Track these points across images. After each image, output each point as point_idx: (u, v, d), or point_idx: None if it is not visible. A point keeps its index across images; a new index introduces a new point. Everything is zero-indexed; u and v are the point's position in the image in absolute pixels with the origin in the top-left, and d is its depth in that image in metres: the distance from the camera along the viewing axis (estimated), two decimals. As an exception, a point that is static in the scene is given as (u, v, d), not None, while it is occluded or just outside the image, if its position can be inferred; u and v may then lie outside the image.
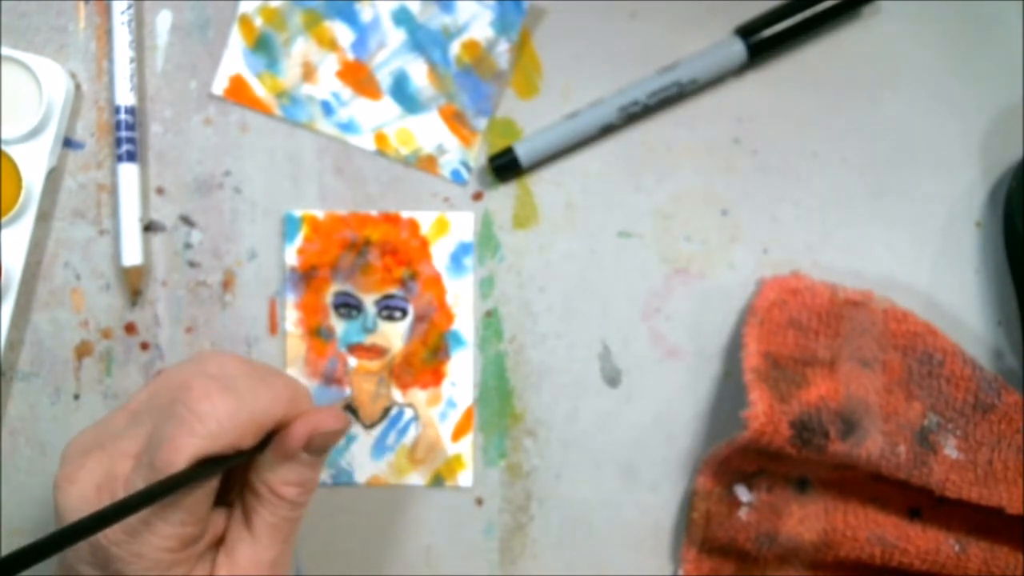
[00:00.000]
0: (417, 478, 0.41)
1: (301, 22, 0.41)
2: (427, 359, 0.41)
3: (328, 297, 0.41)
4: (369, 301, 0.41)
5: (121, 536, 0.28)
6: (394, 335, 0.41)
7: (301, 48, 0.41)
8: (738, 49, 0.40)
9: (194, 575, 0.30)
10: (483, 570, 0.41)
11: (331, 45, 0.41)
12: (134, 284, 0.40)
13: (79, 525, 0.26)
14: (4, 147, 0.39)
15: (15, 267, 0.39)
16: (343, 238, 0.41)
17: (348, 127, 0.41)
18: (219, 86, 0.41)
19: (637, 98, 0.40)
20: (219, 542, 0.32)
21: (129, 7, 0.40)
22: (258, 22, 0.41)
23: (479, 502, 0.41)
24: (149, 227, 0.41)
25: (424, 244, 0.41)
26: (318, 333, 0.41)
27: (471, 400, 0.41)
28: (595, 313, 0.41)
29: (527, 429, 0.41)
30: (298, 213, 0.41)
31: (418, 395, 0.41)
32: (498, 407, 0.41)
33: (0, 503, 0.41)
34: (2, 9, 0.40)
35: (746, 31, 0.40)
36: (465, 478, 0.41)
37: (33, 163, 0.39)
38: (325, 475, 0.41)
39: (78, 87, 0.40)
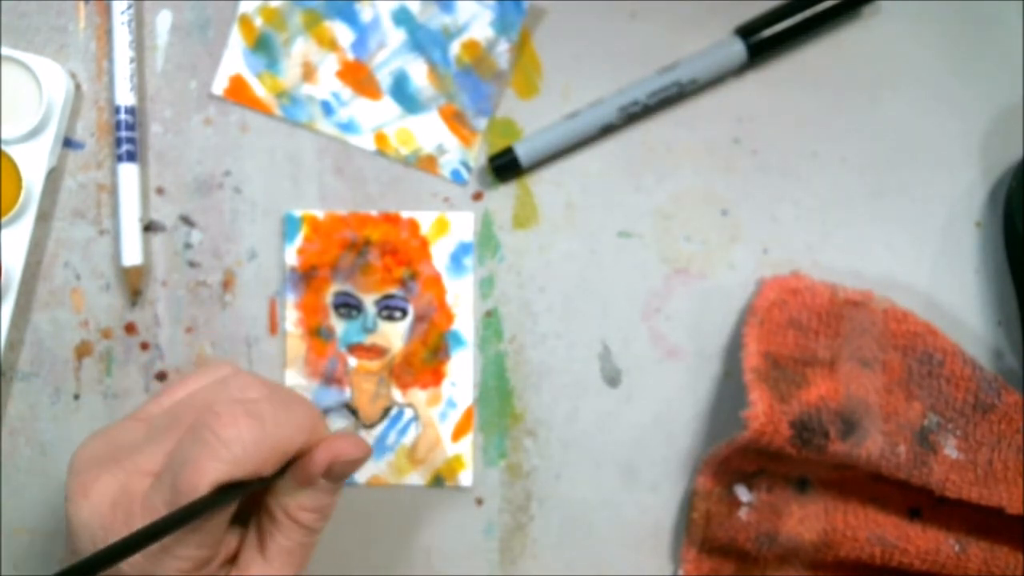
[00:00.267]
0: (417, 478, 0.41)
1: (301, 22, 0.41)
2: (427, 359, 0.41)
3: (328, 297, 0.41)
4: (369, 301, 0.41)
5: (138, 559, 0.28)
6: (394, 335, 0.41)
7: (301, 48, 0.41)
8: (738, 49, 0.40)
9: None
10: (483, 570, 0.41)
11: (331, 45, 0.41)
12: (134, 284, 0.40)
13: (105, 554, 0.26)
14: (4, 147, 0.39)
15: (15, 267, 0.39)
16: (343, 238, 0.41)
17: (348, 127, 0.41)
18: (219, 86, 0.41)
19: (637, 98, 0.40)
20: (230, 561, 0.32)
21: (129, 7, 0.40)
22: (258, 22, 0.41)
23: (479, 502, 0.41)
24: (149, 227, 0.41)
25: (424, 244, 0.41)
26: (318, 333, 0.41)
27: (471, 400, 0.41)
28: (595, 313, 0.41)
29: (527, 429, 0.41)
30: (298, 213, 0.41)
31: (418, 395, 0.41)
32: (498, 407, 0.41)
33: (0, 503, 0.41)
34: (2, 9, 0.40)
35: (746, 31, 0.40)
36: (465, 478, 0.41)
37: (33, 163, 0.39)
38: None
39: (78, 87, 0.40)
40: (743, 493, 0.40)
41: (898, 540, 0.39)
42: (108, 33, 0.40)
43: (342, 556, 0.41)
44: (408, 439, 0.41)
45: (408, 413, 0.41)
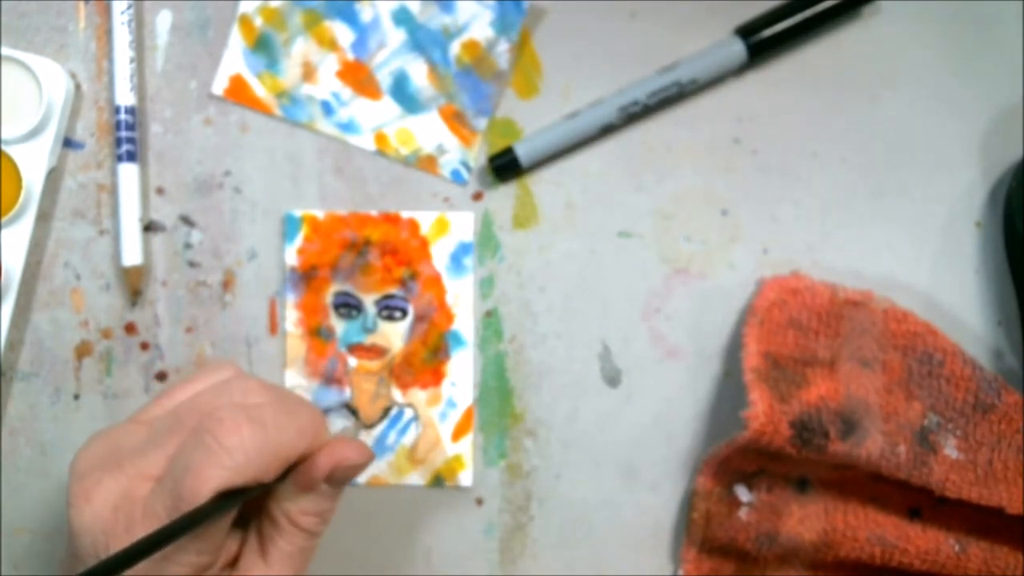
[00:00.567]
0: (417, 478, 0.41)
1: (301, 22, 0.41)
2: (427, 359, 0.41)
3: (328, 297, 0.41)
4: (369, 301, 0.41)
5: (138, 567, 0.28)
6: (394, 335, 0.41)
7: (301, 48, 0.41)
8: (738, 49, 0.40)
9: None
10: (483, 570, 0.41)
11: (331, 45, 0.41)
12: (134, 284, 0.40)
13: (107, 564, 0.26)
14: (4, 147, 0.39)
15: (15, 267, 0.39)
16: (343, 238, 0.41)
17: (348, 127, 0.41)
18: (219, 86, 0.41)
19: (637, 98, 0.40)
20: (231, 564, 0.32)
21: (129, 7, 0.40)
22: (258, 22, 0.41)
23: (479, 502, 0.41)
24: (149, 227, 0.41)
25: (424, 244, 0.41)
26: (318, 333, 0.41)
27: (471, 400, 0.41)
28: (595, 313, 0.41)
29: (527, 429, 0.41)
30: (298, 213, 0.41)
31: (418, 395, 0.41)
32: (498, 407, 0.41)
33: (0, 503, 0.41)
34: (2, 9, 0.40)
35: (746, 31, 0.40)
36: (465, 478, 0.41)
37: (33, 163, 0.39)
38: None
39: (78, 87, 0.40)
40: (743, 493, 0.40)
41: (898, 540, 0.39)
42: (108, 33, 0.40)
43: (342, 556, 0.41)
44: (408, 439, 0.41)
45: (408, 413, 0.41)
